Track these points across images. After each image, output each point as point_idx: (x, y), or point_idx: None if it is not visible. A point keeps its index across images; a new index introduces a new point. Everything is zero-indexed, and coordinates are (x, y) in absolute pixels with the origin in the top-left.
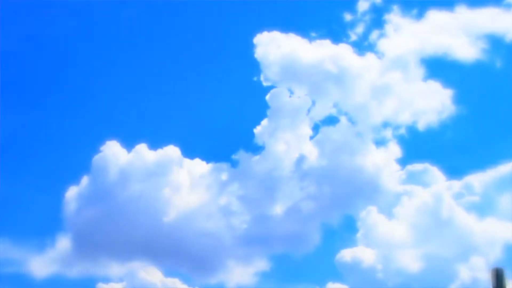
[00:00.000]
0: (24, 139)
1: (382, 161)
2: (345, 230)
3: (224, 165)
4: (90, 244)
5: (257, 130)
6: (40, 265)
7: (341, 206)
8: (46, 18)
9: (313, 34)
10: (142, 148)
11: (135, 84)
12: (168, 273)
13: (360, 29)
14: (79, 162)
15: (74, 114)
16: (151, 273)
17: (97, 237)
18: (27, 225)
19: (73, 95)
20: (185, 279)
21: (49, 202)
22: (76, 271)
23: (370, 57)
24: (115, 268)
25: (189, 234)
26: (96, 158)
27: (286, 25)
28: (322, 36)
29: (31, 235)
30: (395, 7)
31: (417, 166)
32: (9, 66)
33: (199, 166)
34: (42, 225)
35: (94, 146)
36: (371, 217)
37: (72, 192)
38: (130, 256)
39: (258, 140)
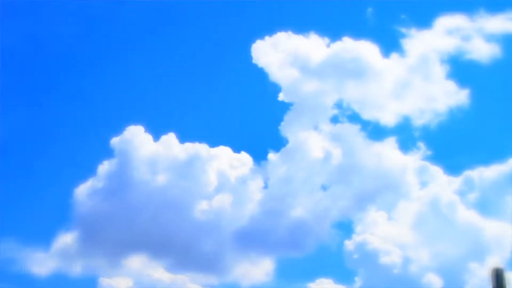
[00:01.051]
0: (31, 135)
1: (403, 161)
2: (357, 229)
3: (249, 162)
4: (96, 240)
5: (281, 127)
6: (44, 262)
7: (355, 205)
8: (48, 18)
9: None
10: (170, 139)
11: (152, 79)
12: (177, 270)
13: (375, 29)
14: (97, 150)
15: (91, 103)
16: (158, 271)
17: (104, 232)
18: (34, 220)
19: (91, 85)
20: (194, 277)
21: (59, 196)
22: (81, 267)
23: (393, 57)
24: (125, 265)
25: (200, 232)
26: (116, 142)
27: (293, 26)
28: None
29: (38, 230)
30: (407, 11)
31: (429, 165)
32: (13, 62)
33: (223, 163)
34: (50, 219)
35: (115, 131)
36: (381, 215)
37: (85, 186)
38: (135, 253)
39: (281, 138)
